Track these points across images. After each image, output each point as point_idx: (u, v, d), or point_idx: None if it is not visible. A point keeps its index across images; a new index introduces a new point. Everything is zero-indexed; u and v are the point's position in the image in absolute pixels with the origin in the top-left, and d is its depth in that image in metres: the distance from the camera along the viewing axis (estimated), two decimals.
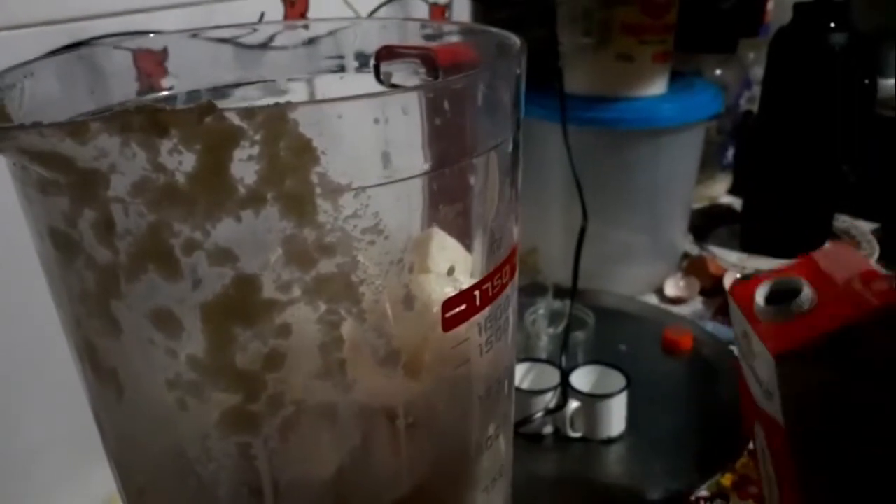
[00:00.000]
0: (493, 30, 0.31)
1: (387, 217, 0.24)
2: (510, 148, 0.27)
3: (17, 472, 0.50)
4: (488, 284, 0.27)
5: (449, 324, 0.26)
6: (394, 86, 0.36)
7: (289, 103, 0.21)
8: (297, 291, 0.24)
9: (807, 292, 0.37)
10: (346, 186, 0.23)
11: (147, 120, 0.20)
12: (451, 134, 0.24)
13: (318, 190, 0.22)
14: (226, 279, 0.23)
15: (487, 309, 0.28)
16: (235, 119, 0.21)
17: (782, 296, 0.38)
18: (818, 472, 0.40)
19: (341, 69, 0.40)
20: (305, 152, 0.22)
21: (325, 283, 0.24)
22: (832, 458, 0.39)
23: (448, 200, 0.26)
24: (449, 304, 0.26)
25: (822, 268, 0.39)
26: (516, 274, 0.30)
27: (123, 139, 0.21)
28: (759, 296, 0.39)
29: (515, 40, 0.29)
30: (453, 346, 0.27)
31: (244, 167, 0.21)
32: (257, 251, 0.23)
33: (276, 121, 0.21)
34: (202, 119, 0.20)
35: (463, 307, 0.26)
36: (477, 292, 0.27)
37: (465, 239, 0.28)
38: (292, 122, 0.21)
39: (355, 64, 0.39)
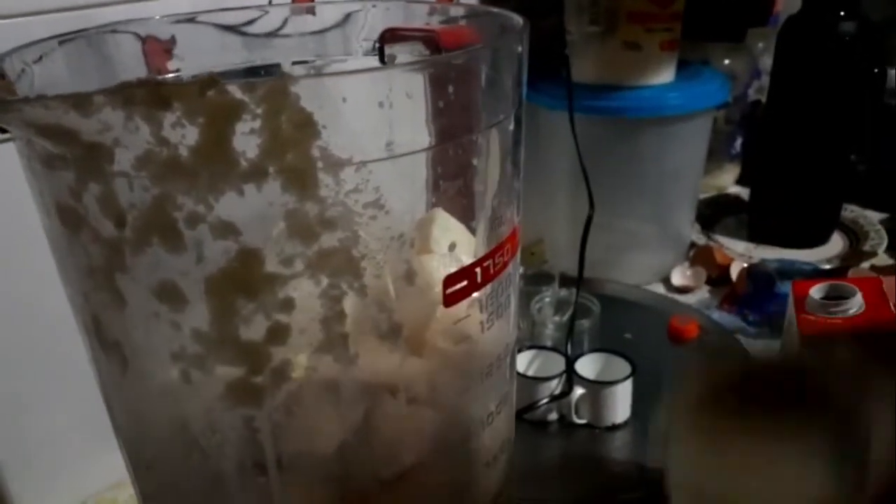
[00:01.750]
0: (496, 10, 0.31)
1: (388, 193, 0.24)
2: (511, 126, 0.28)
3: (28, 455, 0.51)
4: (489, 262, 0.27)
5: (450, 300, 0.26)
6: None
7: (289, 77, 0.21)
8: (299, 265, 0.24)
9: (857, 300, 0.42)
10: (347, 161, 0.23)
11: (149, 93, 0.20)
12: (451, 110, 0.25)
13: (319, 164, 0.22)
14: (229, 252, 0.23)
15: (488, 286, 0.28)
16: (237, 93, 0.21)
17: (836, 298, 0.43)
18: None
19: (347, 52, 0.40)
20: (306, 126, 0.22)
21: (327, 258, 0.24)
22: None
23: (449, 177, 0.26)
24: (450, 280, 0.26)
25: (884, 289, 0.44)
26: (517, 253, 0.30)
27: (127, 113, 0.21)
28: (817, 291, 0.43)
29: (518, 20, 0.29)
30: (454, 322, 0.27)
31: (246, 140, 0.22)
32: (260, 225, 0.23)
33: (277, 94, 0.21)
34: (204, 92, 0.21)
35: (464, 284, 0.26)
36: (478, 269, 0.27)
37: (466, 216, 0.28)
38: (293, 96, 0.21)
39: (360, 47, 0.39)
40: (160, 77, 0.20)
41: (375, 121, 0.24)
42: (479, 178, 0.27)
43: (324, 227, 0.23)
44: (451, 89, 0.24)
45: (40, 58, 0.31)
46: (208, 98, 0.21)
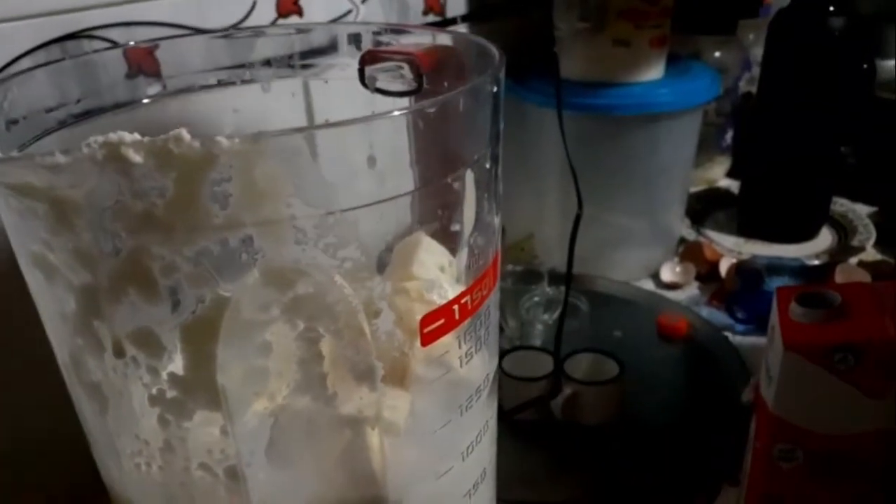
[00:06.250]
0: (474, 37, 0.31)
1: (363, 238, 0.24)
2: (487, 164, 0.28)
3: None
4: (467, 298, 0.27)
5: (427, 339, 0.26)
6: (379, 90, 0.36)
7: (262, 132, 0.21)
8: (275, 311, 0.24)
9: (841, 308, 0.42)
10: (321, 210, 0.23)
11: (112, 153, 0.20)
12: (428, 154, 0.25)
13: (293, 215, 0.23)
14: (205, 301, 0.23)
15: (467, 321, 0.28)
16: (209, 147, 0.21)
17: (821, 305, 0.42)
18: (784, 457, 0.45)
19: (332, 57, 0.40)
20: (280, 179, 0.22)
21: (303, 303, 0.24)
22: (800, 448, 0.44)
23: (423, 220, 0.26)
24: (427, 319, 0.26)
25: (870, 294, 0.44)
26: (497, 284, 0.31)
27: (98, 168, 0.21)
28: (801, 298, 0.43)
29: (494, 51, 0.29)
30: (432, 359, 0.27)
31: (219, 194, 0.22)
32: (235, 274, 0.23)
33: (249, 149, 0.21)
34: (173, 149, 0.21)
35: (441, 322, 0.27)
36: (456, 306, 0.27)
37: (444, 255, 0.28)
38: (266, 151, 0.21)
39: (342, 64, 0.39)
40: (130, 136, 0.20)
41: (352, 169, 0.24)
42: (455, 217, 0.27)
43: (298, 274, 0.24)
44: (427, 133, 0.24)
45: (10, 89, 0.31)
46: (179, 153, 0.21)
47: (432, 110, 0.23)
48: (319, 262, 0.24)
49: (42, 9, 0.48)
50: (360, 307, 0.25)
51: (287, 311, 0.24)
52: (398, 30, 0.37)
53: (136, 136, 0.20)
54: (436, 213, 0.26)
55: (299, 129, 0.21)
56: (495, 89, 0.26)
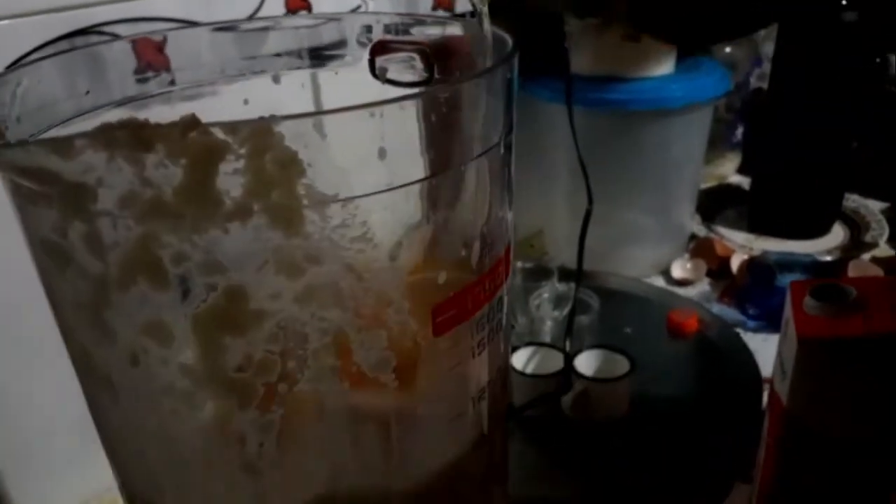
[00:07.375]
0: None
1: (375, 225, 0.24)
2: (501, 152, 0.27)
3: (28, 456, 0.51)
4: (480, 288, 0.27)
5: (439, 328, 0.26)
6: (389, 81, 0.35)
7: (273, 117, 0.21)
8: (287, 300, 0.24)
9: (856, 302, 0.41)
10: (333, 197, 0.23)
11: (131, 136, 0.20)
12: (441, 141, 0.24)
13: (304, 201, 0.22)
14: (215, 290, 0.23)
15: (479, 312, 0.28)
16: (220, 133, 0.21)
17: (835, 299, 0.42)
18: (797, 454, 0.44)
19: (342, 51, 0.39)
20: (291, 165, 0.22)
21: (315, 292, 0.24)
22: (814, 445, 0.43)
23: (437, 208, 0.26)
24: (439, 309, 0.26)
25: (885, 288, 0.43)
26: (510, 275, 0.30)
27: (109, 154, 0.21)
28: (815, 292, 0.42)
29: (507, 39, 0.28)
30: (444, 349, 0.27)
31: (230, 180, 0.22)
32: (246, 262, 0.23)
33: (261, 135, 0.21)
34: (186, 134, 0.20)
35: (453, 312, 0.26)
36: (469, 296, 0.27)
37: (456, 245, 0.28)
38: (277, 136, 0.21)
39: (353, 55, 0.39)
40: (142, 120, 0.20)
41: (364, 155, 0.23)
42: (469, 206, 0.27)
43: (310, 262, 0.23)
44: (441, 121, 0.24)
45: (20, 80, 0.31)
46: (191, 139, 0.21)
47: (445, 96, 0.23)
48: (331, 251, 0.23)
49: (49, 5, 0.48)
50: (372, 296, 0.25)
51: (298, 300, 0.24)
52: (409, 20, 0.36)
53: (148, 119, 0.20)
54: (449, 201, 0.26)
55: (310, 114, 0.21)
56: (509, 76, 0.26)
